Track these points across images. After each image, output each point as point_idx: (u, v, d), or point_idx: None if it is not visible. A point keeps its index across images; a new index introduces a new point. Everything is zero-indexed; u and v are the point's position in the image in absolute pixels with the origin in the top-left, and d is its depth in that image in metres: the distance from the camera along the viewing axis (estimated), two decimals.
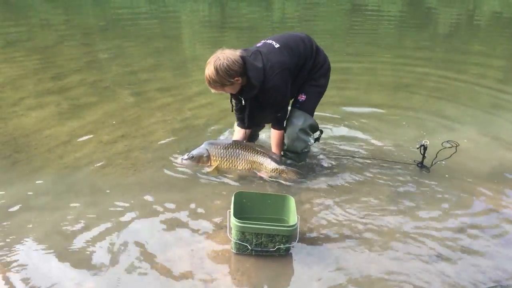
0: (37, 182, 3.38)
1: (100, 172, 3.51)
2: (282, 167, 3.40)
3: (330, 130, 4.39)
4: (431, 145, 3.56)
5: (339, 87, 5.79)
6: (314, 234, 2.88)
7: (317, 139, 3.73)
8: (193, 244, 2.74)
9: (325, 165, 3.74)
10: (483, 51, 8.45)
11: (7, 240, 2.73)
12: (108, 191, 3.27)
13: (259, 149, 3.45)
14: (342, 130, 4.45)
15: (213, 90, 3.23)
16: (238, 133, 3.63)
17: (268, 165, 3.41)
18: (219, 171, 3.45)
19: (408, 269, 2.61)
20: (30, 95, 5.12)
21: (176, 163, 3.57)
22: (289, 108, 3.52)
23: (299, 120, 3.45)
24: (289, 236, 2.60)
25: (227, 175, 3.50)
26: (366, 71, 6.73)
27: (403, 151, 3.98)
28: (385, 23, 11.36)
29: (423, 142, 3.56)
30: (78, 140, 4.04)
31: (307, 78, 3.43)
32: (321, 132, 3.71)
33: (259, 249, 2.62)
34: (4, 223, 2.88)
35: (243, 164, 3.43)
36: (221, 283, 2.45)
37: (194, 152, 3.45)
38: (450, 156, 3.57)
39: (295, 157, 3.59)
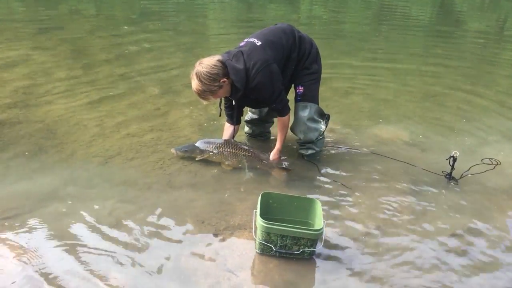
0: (65, 171, 3.43)
1: (127, 164, 3.56)
2: (267, 163, 3.59)
3: (361, 132, 4.42)
4: (463, 159, 3.50)
5: (368, 93, 5.76)
6: (338, 239, 2.87)
7: (325, 124, 3.75)
8: (217, 242, 2.76)
9: (352, 167, 3.74)
10: None
11: (39, 229, 2.78)
12: (136, 184, 3.31)
13: (245, 147, 3.64)
14: (373, 133, 4.44)
15: (205, 102, 3.36)
16: (227, 129, 3.73)
17: (253, 163, 3.58)
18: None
19: (433, 278, 2.59)
20: (61, 84, 5.20)
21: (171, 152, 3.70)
22: (287, 99, 3.56)
23: (304, 112, 3.54)
24: (314, 240, 2.60)
25: (253, 175, 3.53)
26: (395, 77, 6.64)
27: (436, 159, 3.91)
28: (414, 28, 11.21)
29: (453, 153, 3.51)
30: (106, 131, 4.10)
31: (299, 68, 3.47)
32: (328, 116, 3.73)
33: (284, 251, 2.62)
34: (35, 212, 2.92)
35: (231, 162, 3.60)
36: (244, 283, 2.46)
37: (188, 147, 3.68)
38: (485, 171, 3.52)
39: (313, 145, 3.71)
